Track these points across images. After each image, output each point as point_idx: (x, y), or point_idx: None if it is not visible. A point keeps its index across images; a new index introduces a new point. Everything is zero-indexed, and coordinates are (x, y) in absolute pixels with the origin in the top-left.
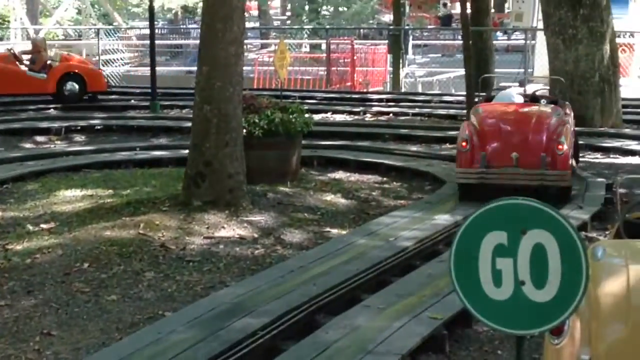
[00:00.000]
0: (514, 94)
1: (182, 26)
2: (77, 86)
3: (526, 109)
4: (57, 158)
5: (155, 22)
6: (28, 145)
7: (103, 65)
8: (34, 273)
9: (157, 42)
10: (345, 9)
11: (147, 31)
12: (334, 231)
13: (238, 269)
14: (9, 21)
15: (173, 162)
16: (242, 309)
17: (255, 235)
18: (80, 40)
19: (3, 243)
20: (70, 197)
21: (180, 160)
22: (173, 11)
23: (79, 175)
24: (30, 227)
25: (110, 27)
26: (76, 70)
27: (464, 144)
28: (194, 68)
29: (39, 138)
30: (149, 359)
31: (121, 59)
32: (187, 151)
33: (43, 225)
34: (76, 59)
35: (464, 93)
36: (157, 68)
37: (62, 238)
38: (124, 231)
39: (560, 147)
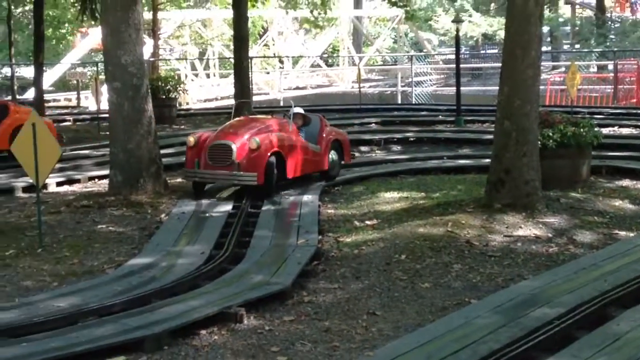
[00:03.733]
0: None
1: (482, 51)
2: None
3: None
4: (378, 165)
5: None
6: (354, 154)
7: (415, 86)
8: (361, 262)
9: (461, 65)
10: (632, 34)
11: (453, 56)
12: (622, 233)
13: (534, 264)
14: (338, 50)
15: (475, 169)
16: (538, 300)
17: (550, 235)
18: (395, 65)
19: (335, 236)
20: (389, 199)
21: (481, 168)
22: (474, 38)
23: (396, 180)
24: (357, 223)
25: (421, 53)
26: None
27: None
28: (492, 88)
29: (363, 148)
30: (459, 339)
31: (429, 80)
32: (488, 160)
33: (367, 222)
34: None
35: None
36: (461, 88)
37: (383, 233)
38: (435, 228)
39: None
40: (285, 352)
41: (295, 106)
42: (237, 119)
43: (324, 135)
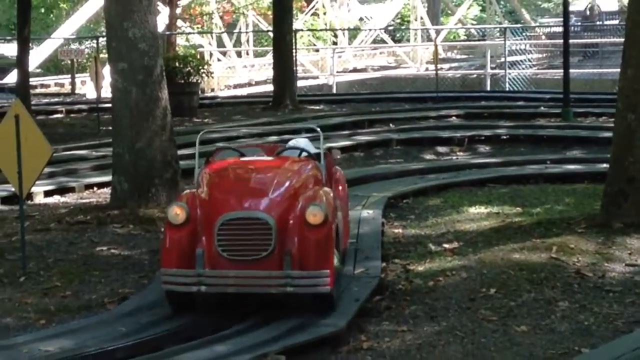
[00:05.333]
0: None
1: (597, 23)
2: None
3: None
4: (460, 171)
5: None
6: (429, 157)
7: (510, 68)
8: (437, 297)
9: (570, 41)
10: None
11: (559, 29)
12: None
13: None
14: (408, 21)
15: (588, 177)
16: None
17: None
18: (484, 40)
19: (404, 263)
20: (474, 215)
21: (596, 176)
22: (588, 6)
23: (484, 191)
24: (432, 247)
25: (518, 25)
26: None
27: None
28: (611, 70)
29: (441, 148)
30: None
31: (528, 60)
32: (605, 165)
33: (445, 245)
34: None
35: None
36: (570, 70)
37: (467, 260)
38: (534, 254)
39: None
40: None
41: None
42: (233, 159)
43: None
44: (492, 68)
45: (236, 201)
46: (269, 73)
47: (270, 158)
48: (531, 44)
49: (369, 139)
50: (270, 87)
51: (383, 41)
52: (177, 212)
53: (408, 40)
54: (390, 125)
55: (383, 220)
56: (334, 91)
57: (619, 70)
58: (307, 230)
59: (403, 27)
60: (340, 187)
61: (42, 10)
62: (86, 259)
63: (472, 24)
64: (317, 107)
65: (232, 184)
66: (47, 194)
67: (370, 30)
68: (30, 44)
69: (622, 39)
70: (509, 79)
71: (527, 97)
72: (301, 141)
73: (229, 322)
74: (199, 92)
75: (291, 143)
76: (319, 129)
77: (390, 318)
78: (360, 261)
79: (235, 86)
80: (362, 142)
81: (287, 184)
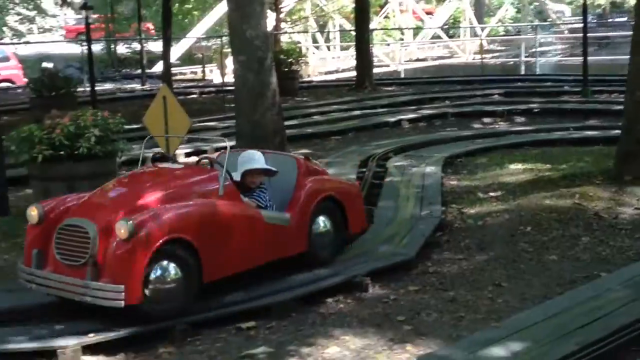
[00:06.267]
0: None
1: (609, 20)
2: None
3: None
4: (500, 137)
5: None
6: (477, 126)
7: (540, 56)
8: (485, 233)
9: (588, 34)
10: None
11: (578, 25)
12: None
13: None
14: (459, 21)
15: (603, 141)
16: None
17: None
18: (519, 35)
19: (459, 207)
20: (513, 170)
21: (609, 140)
22: (602, 6)
23: (520, 152)
24: (481, 195)
25: (546, 23)
26: None
27: None
28: (620, 57)
29: (486, 119)
30: (588, 312)
31: (554, 50)
32: (617, 132)
33: (491, 193)
34: None
35: None
36: (588, 58)
37: (508, 205)
38: (561, 200)
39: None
40: (410, 321)
41: (229, 148)
42: (135, 171)
43: (303, 192)
44: (525, 56)
45: (80, 208)
46: (352, 62)
47: (178, 166)
48: (556, 37)
49: (430, 112)
50: (353, 73)
51: (439, 37)
52: (31, 213)
53: (459, 36)
54: (446, 101)
55: (442, 174)
56: (402, 76)
57: (627, 57)
58: (115, 244)
59: (455, 26)
60: (302, 194)
61: (180, 17)
62: None
63: (510, 22)
64: (389, 89)
65: (102, 191)
66: (187, 155)
67: (429, 28)
68: (171, 42)
69: (630, 32)
70: (539, 64)
71: (554, 79)
72: (252, 156)
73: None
74: (299, 77)
75: (245, 155)
76: (229, 145)
77: (449, 249)
78: (425, 206)
79: (326, 73)
80: (424, 115)
81: (146, 195)
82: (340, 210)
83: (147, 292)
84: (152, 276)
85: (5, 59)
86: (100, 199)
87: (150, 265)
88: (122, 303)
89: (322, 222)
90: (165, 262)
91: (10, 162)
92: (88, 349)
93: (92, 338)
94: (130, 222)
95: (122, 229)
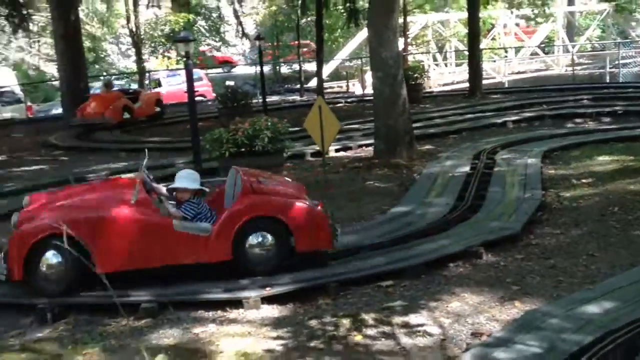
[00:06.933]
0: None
1: None
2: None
3: None
4: (590, 134)
5: None
6: (570, 125)
7: (622, 67)
8: (579, 213)
9: None
10: None
11: None
12: None
13: None
14: (553, 40)
15: None
16: None
17: None
18: (604, 50)
19: (556, 191)
20: (602, 161)
21: None
22: None
23: (607, 146)
24: (574, 181)
25: (627, 40)
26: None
27: None
28: None
29: (577, 120)
30: None
31: (634, 62)
32: None
33: (583, 180)
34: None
35: None
36: None
37: (597, 189)
38: None
39: None
40: (517, 283)
41: (145, 160)
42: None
43: (234, 209)
44: (610, 68)
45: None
46: (465, 76)
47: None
48: (636, 51)
49: (529, 115)
50: (466, 85)
51: (537, 53)
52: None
53: (553, 52)
54: (543, 106)
55: (541, 165)
56: (506, 86)
57: None
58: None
59: (550, 44)
60: (233, 209)
61: (329, 43)
62: (360, 189)
63: (596, 40)
64: (496, 96)
65: (57, 195)
66: (337, 150)
67: (528, 47)
68: (323, 63)
69: None
70: (622, 74)
71: (635, 86)
72: (184, 174)
73: (449, 226)
74: (422, 88)
75: (180, 174)
76: (146, 153)
77: (548, 225)
78: (528, 190)
79: (444, 85)
80: (525, 117)
81: (68, 201)
82: (285, 228)
83: (38, 272)
84: (40, 261)
85: (199, 79)
86: (49, 200)
87: (34, 253)
88: (3, 278)
89: (258, 237)
90: (48, 252)
91: (205, 157)
92: (265, 300)
93: (268, 291)
94: (15, 215)
95: (12, 219)
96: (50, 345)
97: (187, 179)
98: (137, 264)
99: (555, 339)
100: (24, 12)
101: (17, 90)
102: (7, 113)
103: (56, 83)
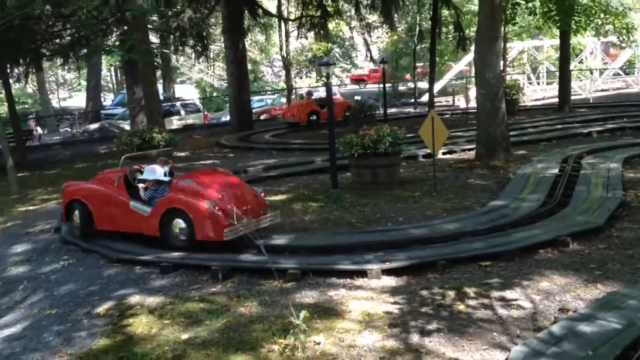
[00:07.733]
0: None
1: None
2: None
3: None
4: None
5: None
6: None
7: None
8: None
9: None
10: None
11: None
12: None
13: None
14: (634, 63)
15: None
16: None
17: None
18: None
19: (636, 192)
20: None
21: None
22: None
23: None
24: None
25: None
26: None
27: None
28: None
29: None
30: None
31: None
32: None
33: None
34: None
35: None
36: None
37: None
38: None
39: None
40: (600, 268)
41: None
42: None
43: (163, 200)
44: None
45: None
46: (555, 92)
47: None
48: None
49: (612, 126)
50: (556, 100)
51: (619, 74)
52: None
53: (634, 73)
54: (624, 119)
55: (622, 169)
56: (591, 101)
57: None
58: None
59: (632, 67)
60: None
61: (440, 65)
62: (464, 185)
63: None
64: (582, 110)
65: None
66: (444, 153)
67: (612, 68)
68: (434, 81)
69: None
70: None
71: None
72: (150, 169)
73: (540, 219)
74: (518, 103)
75: (147, 168)
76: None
77: (628, 220)
78: (610, 190)
79: (536, 100)
80: (608, 128)
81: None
82: (190, 220)
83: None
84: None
85: (334, 94)
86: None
87: (69, 208)
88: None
89: (177, 222)
90: (75, 209)
91: (339, 156)
92: (385, 272)
93: (388, 265)
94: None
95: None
96: (221, 297)
97: (148, 172)
98: (116, 227)
99: (633, 317)
100: (205, 42)
101: (197, 102)
102: (190, 120)
103: (226, 97)
